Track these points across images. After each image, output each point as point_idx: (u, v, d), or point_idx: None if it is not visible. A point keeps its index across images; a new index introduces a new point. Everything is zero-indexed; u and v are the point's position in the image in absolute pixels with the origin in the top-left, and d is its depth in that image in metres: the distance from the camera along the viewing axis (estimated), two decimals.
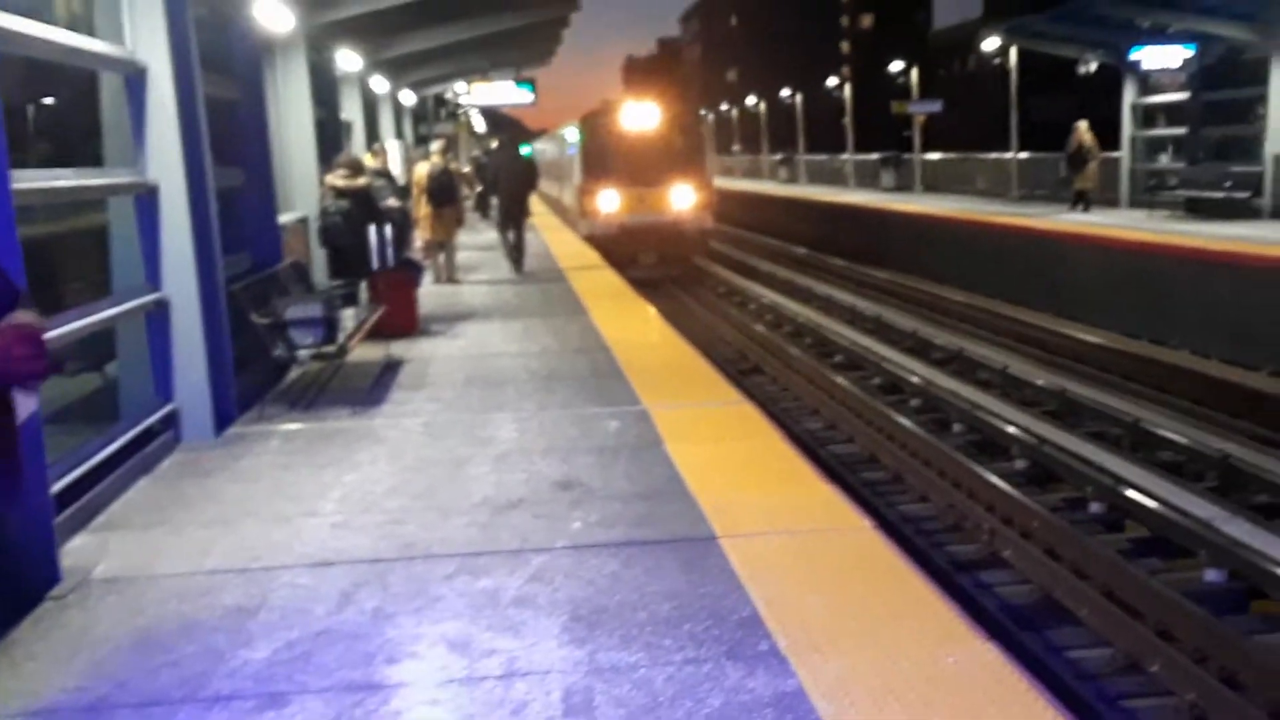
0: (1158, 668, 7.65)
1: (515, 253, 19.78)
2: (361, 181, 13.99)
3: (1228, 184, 22.17)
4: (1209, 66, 23.24)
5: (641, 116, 27.66)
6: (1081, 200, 25.32)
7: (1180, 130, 24.72)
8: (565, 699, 4.27)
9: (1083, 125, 25.16)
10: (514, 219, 20.20)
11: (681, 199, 26.87)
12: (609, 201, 26.67)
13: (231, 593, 5.38)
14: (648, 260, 26.10)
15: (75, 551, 5.93)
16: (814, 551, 5.71)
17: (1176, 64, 23.48)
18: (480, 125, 41.23)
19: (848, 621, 4.88)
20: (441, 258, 17.98)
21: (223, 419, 8.47)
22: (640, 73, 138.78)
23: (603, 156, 27.50)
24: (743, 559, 5.59)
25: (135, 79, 8.12)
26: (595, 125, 28.28)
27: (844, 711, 4.11)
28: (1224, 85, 23.08)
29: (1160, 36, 23.24)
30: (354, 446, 7.97)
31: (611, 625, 4.90)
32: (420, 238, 18.80)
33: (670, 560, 5.62)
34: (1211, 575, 8.91)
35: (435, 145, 18.86)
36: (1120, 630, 8.09)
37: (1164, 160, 25.78)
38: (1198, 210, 22.41)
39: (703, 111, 31.52)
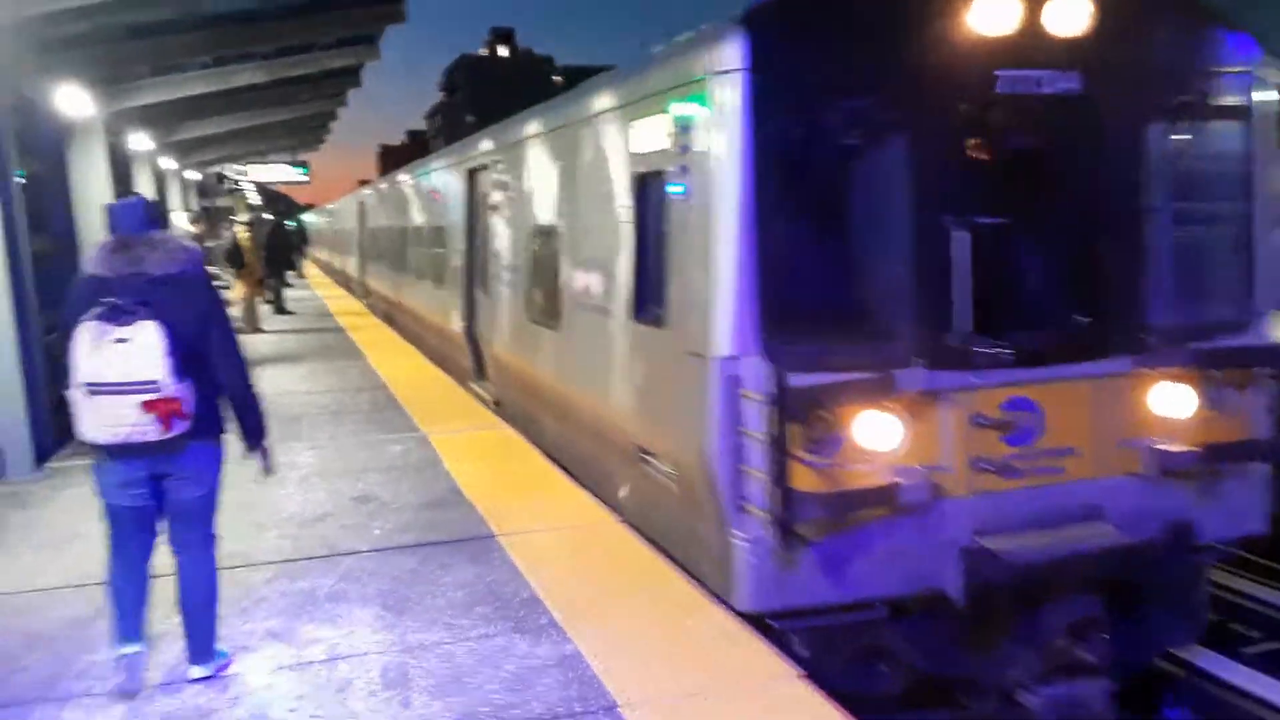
0: None
1: (277, 299, 20.30)
2: None
3: None
4: None
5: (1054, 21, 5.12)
6: None
7: None
8: (383, 674, 4.20)
9: None
10: (278, 275, 20.73)
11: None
12: (892, 436, 4.93)
13: (68, 606, 4.97)
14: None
15: None
16: (577, 543, 5.81)
17: None
18: (255, 199, 39.33)
19: (609, 597, 5.00)
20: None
21: (42, 455, 7.76)
22: (393, 159, 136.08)
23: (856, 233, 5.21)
24: (519, 552, 5.63)
25: None
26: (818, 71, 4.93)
27: (612, 666, 4.23)
28: None
29: None
30: None
31: (416, 612, 4.84)
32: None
33: (459, 556, 5.59)
34: None
35: (244, 217, 17.97)
36: None
37: None
38: None
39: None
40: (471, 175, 10.91)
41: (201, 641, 4.19)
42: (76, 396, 3.78)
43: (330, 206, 38.65)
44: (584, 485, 6.81)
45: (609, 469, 6.57)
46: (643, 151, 5.84)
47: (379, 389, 11.05)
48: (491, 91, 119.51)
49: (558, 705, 3.89)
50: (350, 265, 27.02)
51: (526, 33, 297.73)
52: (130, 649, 4.07)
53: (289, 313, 19.90)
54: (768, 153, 4.80)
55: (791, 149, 4.94)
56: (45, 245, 9.91)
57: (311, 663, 4.32)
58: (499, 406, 9.75)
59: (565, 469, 7.21)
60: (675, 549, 5.53)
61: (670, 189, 5.34)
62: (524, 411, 8.91)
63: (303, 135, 29.49)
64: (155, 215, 4.19)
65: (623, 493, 6.30)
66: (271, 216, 28.44)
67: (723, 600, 4.85)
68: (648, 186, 5.80)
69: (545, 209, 7.99)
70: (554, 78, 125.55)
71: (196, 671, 4.17)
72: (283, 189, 67.60)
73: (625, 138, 6.14)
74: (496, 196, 9.62)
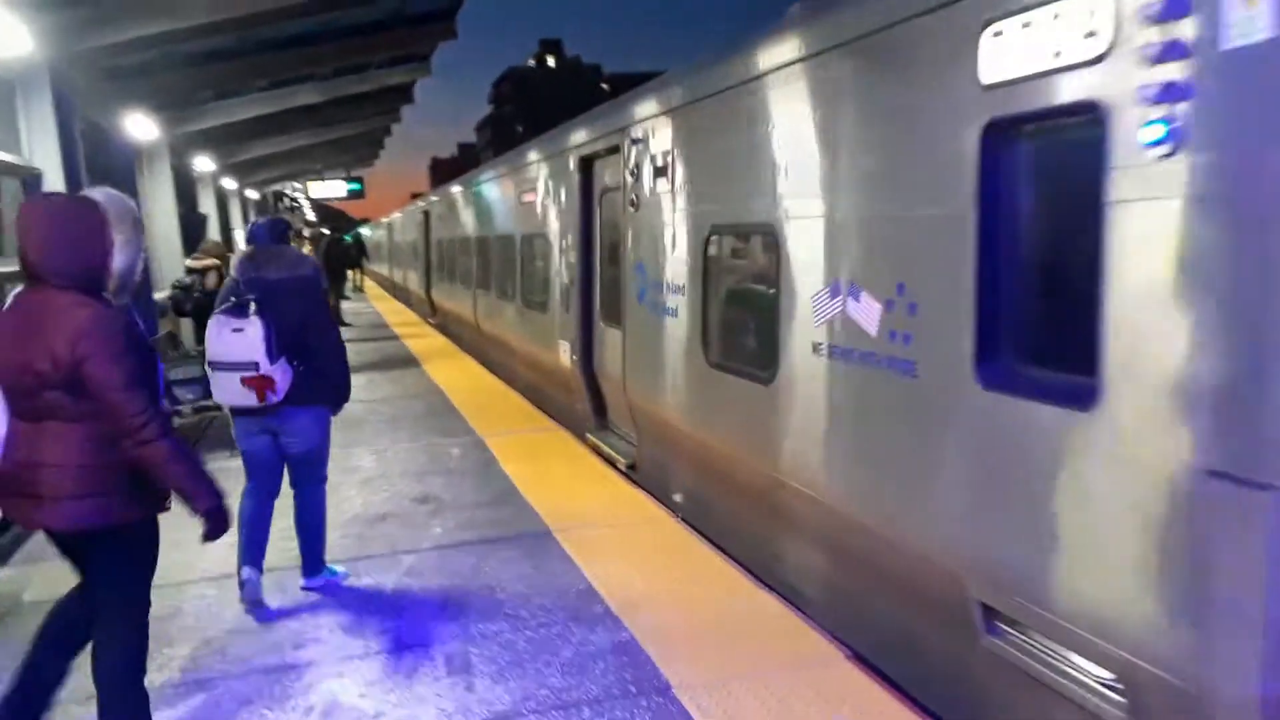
0: None
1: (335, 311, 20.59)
2: (209, 262, 13.48)
3: None
4: None
5: None
6: None
7: None
8: (448, 662, 4.36)
9: None
10: (335, 288, 21.68)
11: None
12: None
13: (155, 605, 5.19)
14: None
15: (3, 583, 5.60)
16: (629, 537, 5.94)
17: None
18: (312, 215, 40.08)
19: (661, 586, 5.13)
20: None
21: None
22: (444, 172, 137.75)
23: None
24: (575, 546, 5.78)
25: (32, 181, 7.78)
26: None
27: (666, 652, 4.35)
28: None
29: None
30: (237, 481, 7.70)
31: (477, 604, 5.00)
32: None
33: (517, 551, 5.75)
34: None
35: (307, 233, 18.68)
36: None
37: None
38: None
39: None
40: (586, 165, 8.69)
41: (311, 559, 5.27)
42: (208, 370, 4.87)
43: (387, 220, 36.61)
44: (809, 617, 4.72)
45: (886, 616, 4.37)
46: (1014, 76, 3.32)
47: (435, 394, 11.30)
48: (540, 103, 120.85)
49: (613, 687, 4.02)
50: (412, 281, 24.73)
51: (574, 39, 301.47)
52: (252, 572, 5.04)
53: (346, 324, 20.39)
54: None
55: None
56: None
57: (380, 653, 4.49)
58: (634, 471, 7.59)
59: (770, 587, 5.12)
60: None
61: (1127, 141, 2.87)
62: (686, 487, 6.75)
63: (358, 151, 30.08)
64: (280, 233, 5.17)
65: (915, 664, 4.16)
66: (328, 232, 29.07)
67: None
68: (1021, 140, 3.42)
69: (742, 198, 5.46)
70: (602, 85, 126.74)
71: (308, 584, 5.26)
72: (338, 205, 68.80)
73: (961, 56, 3.55)
74: (636, 190, 7.19)
